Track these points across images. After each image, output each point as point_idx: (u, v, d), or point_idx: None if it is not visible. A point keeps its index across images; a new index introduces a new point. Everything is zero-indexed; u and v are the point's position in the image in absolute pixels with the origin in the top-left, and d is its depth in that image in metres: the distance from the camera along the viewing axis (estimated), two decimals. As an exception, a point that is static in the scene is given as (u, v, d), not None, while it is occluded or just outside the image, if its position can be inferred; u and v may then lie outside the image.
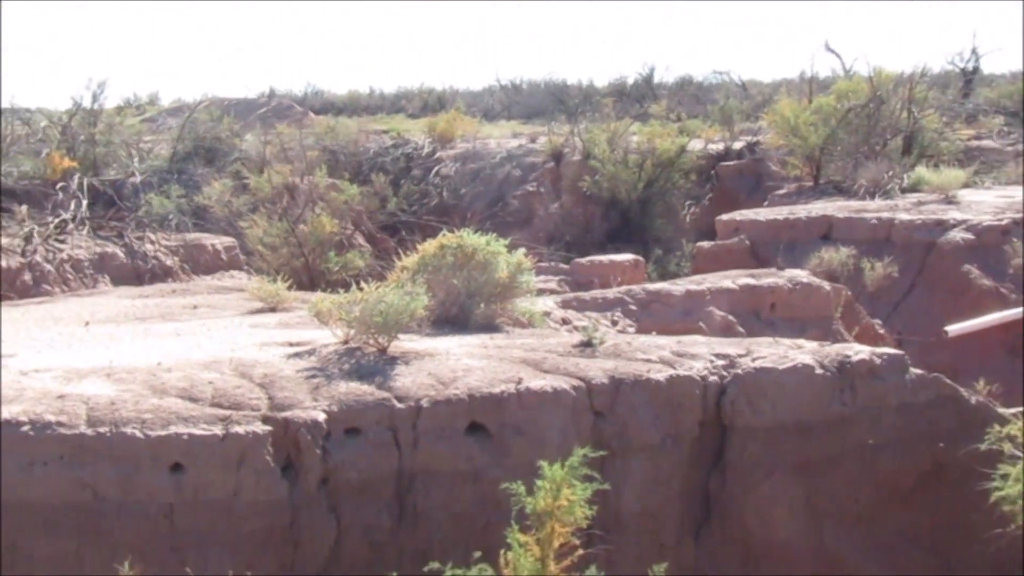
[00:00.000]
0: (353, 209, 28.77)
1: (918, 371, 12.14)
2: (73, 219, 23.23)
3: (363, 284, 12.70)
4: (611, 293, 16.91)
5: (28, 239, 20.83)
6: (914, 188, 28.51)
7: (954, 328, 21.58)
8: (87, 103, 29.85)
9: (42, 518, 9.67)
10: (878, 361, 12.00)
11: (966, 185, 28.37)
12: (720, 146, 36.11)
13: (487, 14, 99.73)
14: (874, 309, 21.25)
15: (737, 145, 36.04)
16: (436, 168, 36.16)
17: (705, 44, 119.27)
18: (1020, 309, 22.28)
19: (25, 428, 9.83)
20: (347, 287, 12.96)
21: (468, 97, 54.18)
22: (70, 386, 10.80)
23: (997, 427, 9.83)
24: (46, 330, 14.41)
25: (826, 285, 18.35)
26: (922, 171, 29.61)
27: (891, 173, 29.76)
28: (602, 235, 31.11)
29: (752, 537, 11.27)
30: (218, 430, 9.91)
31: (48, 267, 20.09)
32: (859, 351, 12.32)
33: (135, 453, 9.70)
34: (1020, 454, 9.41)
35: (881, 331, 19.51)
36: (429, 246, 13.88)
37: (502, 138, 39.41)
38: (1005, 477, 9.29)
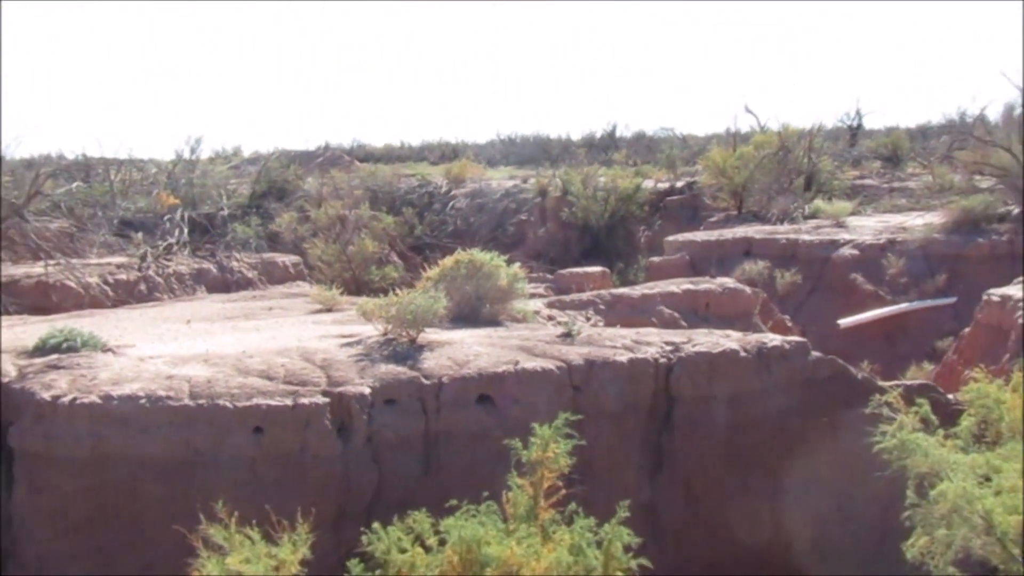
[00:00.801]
0: (389, 234, 28.80)
1: (818, 354, 12.20)
2: (177, 243, 23.21)
3: (397, 291, 12.74)
4: (585, 296, 16.94)
5: (143, 258, 20.82)
6: (813, 215, 28.64)
7: (844, 321, 21.71)
8: (187, 155, 29.98)
9: (156, 469, 9.73)
10: (787, 347, 12.06)
11: (853, 213, 28.49)
12: (666, 184, 36.14)
13: (489, 83, 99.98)
14: (784, 308, 21.33)
15: (679, 184, 36.07)
16: (451, 203, 36.20)
17: (654, 106, 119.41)
18: (894, 307, 22.40)
19: (142, 400, 9.89)
20: (385, 293, 12.98)
21: (475, 148, 54.09)
22: (176, 369, 10.86)
23: (878, 396, 9.86)
24: (157, 327, 14.46)
25: (747, 289, 18.39)
26: (819, 203, 29.80)
27: (796, 204, 29.94)
28: (578, 252, 31.18)
29: (693, 481, 11.32)
30: (289, 401, 9.97)
31: (158, 279, 20.08)
32: (773, 339, 12.36)
33: (226, 419, 9.76)
34: (895, 416, 9.43)
35: (789, 324, 19.56)
36: (447, 261, 13.95)
37: (501, 179, 39.41)
38: (884, 433, 9.33)
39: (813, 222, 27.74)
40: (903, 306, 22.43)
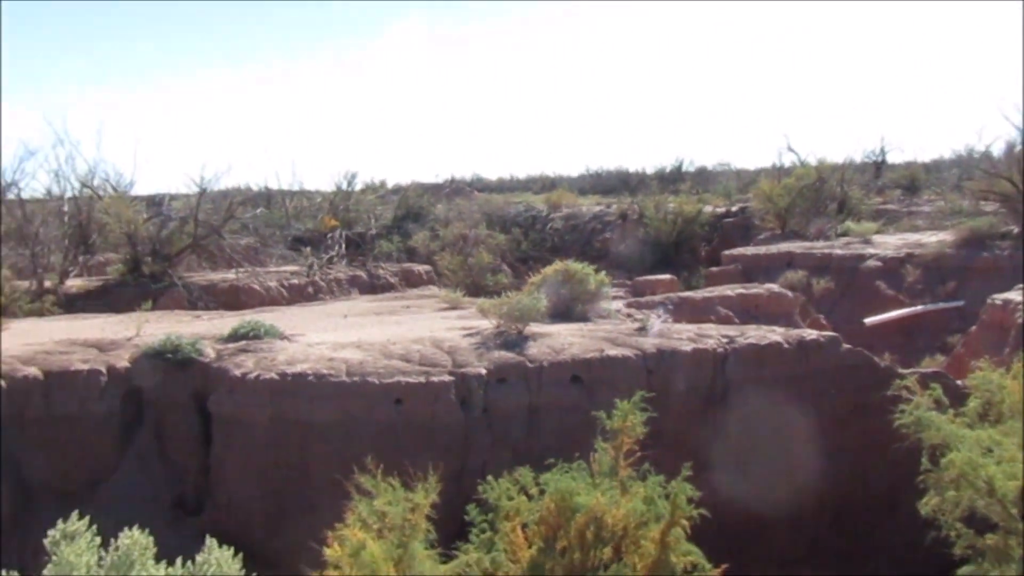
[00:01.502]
0: (501, 248, 28.98)
1: (848, 346, 11.92)
2: (336, 255, 23.65)
3: (507, 293, 12.80)
4: (657, 298, 16.80)
5: (310, 267, 21.26)
6: (844, 234, 27.95)
7: (869, 320, 21.12)
8: (344, 186, 30.48)
9: (319, 430, 9.91)
10: (822, 340, 11.81)
11: (877, 232, 27.79)
12: (723, 209, 35.64)
13: (581, 127, 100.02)
14: (819, 309, 20.86)
15: (734, 208, 35.56)
16: (549, 224, 36.19)
17: (713, 145, 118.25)
18: (911, 309, 21.79)
19: (310, 377, 10.09)
20: (498, 295, 13.05)
21: (569, 180, 53.93)
22: (336, 353, 11.03)
23: (898, 381, 9.61)
24: (321, 320, 14.72)
25: (789, 293, 18.05)
26: (849, 224, 29.13)
27: (830, 225, 29.28)
28: (650, 263, 30.82)
29: (742, 447, 11.13)
30: (423, 379, 10.06)
31: (322, 284, 20.49)
32: (811, 334, 12.13)
33: (374, 392, 9.90)
34: (912, 397, 9.18)
35: (824, 323, 19.08)
36: (547, 270, 13.95)
37: (590, 205, 39.23)
38: (903, 411, 9.10)
39: (844, 239, 27.11)
40: (919, 308, 21.82)
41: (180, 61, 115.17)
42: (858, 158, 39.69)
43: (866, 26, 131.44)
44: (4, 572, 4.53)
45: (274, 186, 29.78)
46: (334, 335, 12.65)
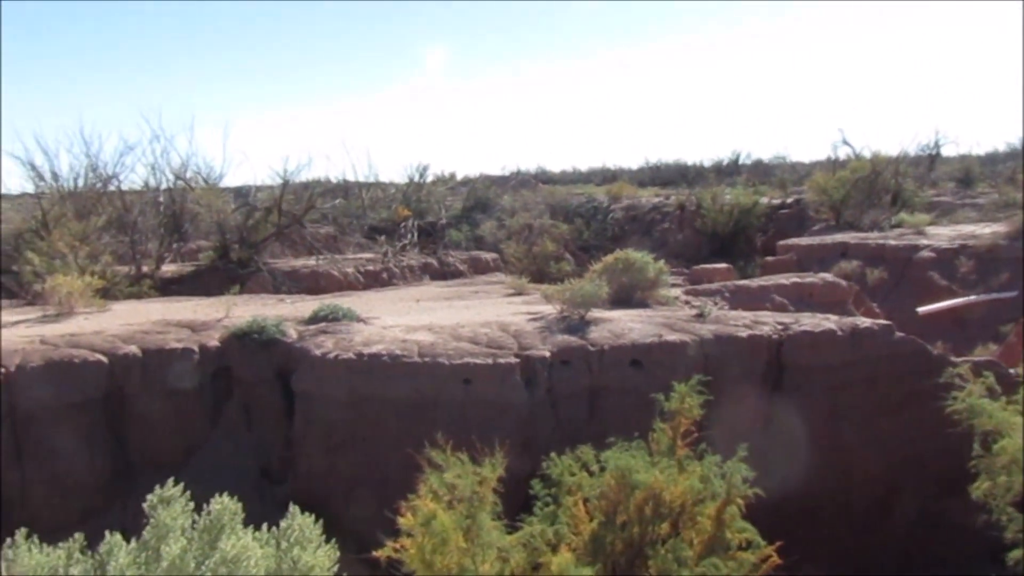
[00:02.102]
0: (564, 238, 28.77)
1: (901, 334, 11.65)
2: (409, 243, 23.82)
3: (570, 280, 12.76)
4: (714, 286, 16.59)
5: (385, 254, 21.45)
6: (898, 225, 27.29)
7: (922, 309, 20.62)
8: (416, 178, 30.69)
9: (393, 407, 10.00)
10: (876, 328, 11.55)
11: (931, 224, 27.07)
12: (778, 201, 35.02)
13: (641, 121, 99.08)
14: (872, 298, 20.36)
15: (789, 200, 34.91)
16: (610, 214, 35.91)
17: (770, 138, 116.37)
18: (964, 299, 21.22)
19: (385, 357, 10.18)
20: (561, 281, 13.01)
21: (629, 172, 53.49)
22: (408, 335, 11.12)
23: (950, 369, 9.38)
24: (395, 304, 14.85)
25: (843, 283, 17.69)
26: (903, 215, 28.42)
27: (884, 216, 28.57)
28: (707, 253, 30.47)
29: (796, 431, 10.96)
30: (490, 360, 10.09)
31: (396, 270, 20.66)
32: (864, 322, 11.88)
33: (444, 372, 9.95)
34: (965, 385, 8.96)
35: (877, 312, 18.68)
36: (608, 258, 13.85)
37: (649, 197, 38.89)
38: (955, 398, 8.89)
39: (898, 230, 26.45)
40: (972, 298, 21.21)
41: (266, 63, 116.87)
42: (912, 151, 38.70)
43: (922, 20, 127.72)
44: (108, 533, 4.68)
45: (351, 178, 30.03)
46: (407, 318, 12.76)
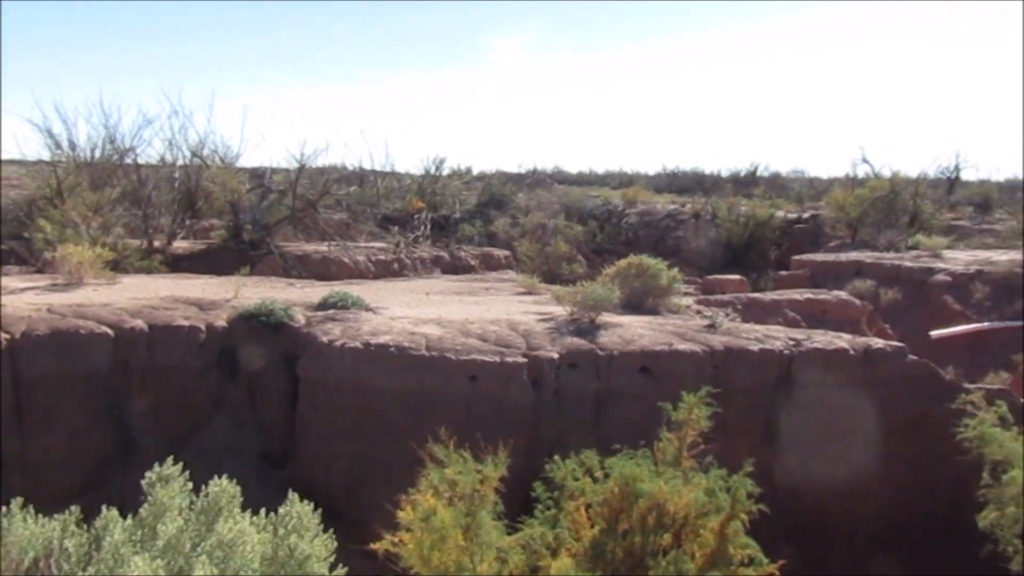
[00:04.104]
0: (577, 239, 28.78)
1: (913, 357, 11.54)
2: (422, 235, 23.76)
3: (583, 283, 12.69)
4: (726, 297, 16.54)
5: (397, 245, 21.37)
6: (915, 247, 27.12)
7: (936, 333, 20.44)
8: (432, 171, 30.64)
9: (398, 399, 9.96)
10: (888, 349, 11.47)
11: (948, 247, 26.89)
12: (795, 215, 34.82)
13: (660, 127, 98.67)
14: (885, 319, 20.25)
15: (805, 215, 34.72)
16: (625, 219, 35.75)
17: (789, 152, 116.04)
18: (978, 325, 21.06)
19: (392, 349, 10.14)
20: (573, 283, 12.95)
21: (646, 178, 53.15)
22: (417, 327, 11.08)
23: (963, 395, 9.30)
24: (405, 296, 14.82)
25: (857, 301, 17.59)
26: (920, 237, 28.23)
27: (900, 237, 28.42)
28: (721, 263, 30.28)
29: (806, 445, 10.87)
30: (498, 359, 10.04)
31: (407, 261, 20.57)
32: (877, 342, 11.78)
33: (451, 368, 9.91)
34: (977, 412, 8.88)
35: (890, 333, 18.55)
36: (621, 263, 13.80)
37: (664, 203, 38.66)
38: (967, 425, 8.81)
39: (914, 252, 26.28)
40: (986, 324, 21.05)
41: (286, 48, 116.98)
42: (932, 173, 38.45)
43: (951, 43, 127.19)
44: (105, 507, 4.63)
45: (367, 166, 30.01)
46: (416, 311, 12.71)
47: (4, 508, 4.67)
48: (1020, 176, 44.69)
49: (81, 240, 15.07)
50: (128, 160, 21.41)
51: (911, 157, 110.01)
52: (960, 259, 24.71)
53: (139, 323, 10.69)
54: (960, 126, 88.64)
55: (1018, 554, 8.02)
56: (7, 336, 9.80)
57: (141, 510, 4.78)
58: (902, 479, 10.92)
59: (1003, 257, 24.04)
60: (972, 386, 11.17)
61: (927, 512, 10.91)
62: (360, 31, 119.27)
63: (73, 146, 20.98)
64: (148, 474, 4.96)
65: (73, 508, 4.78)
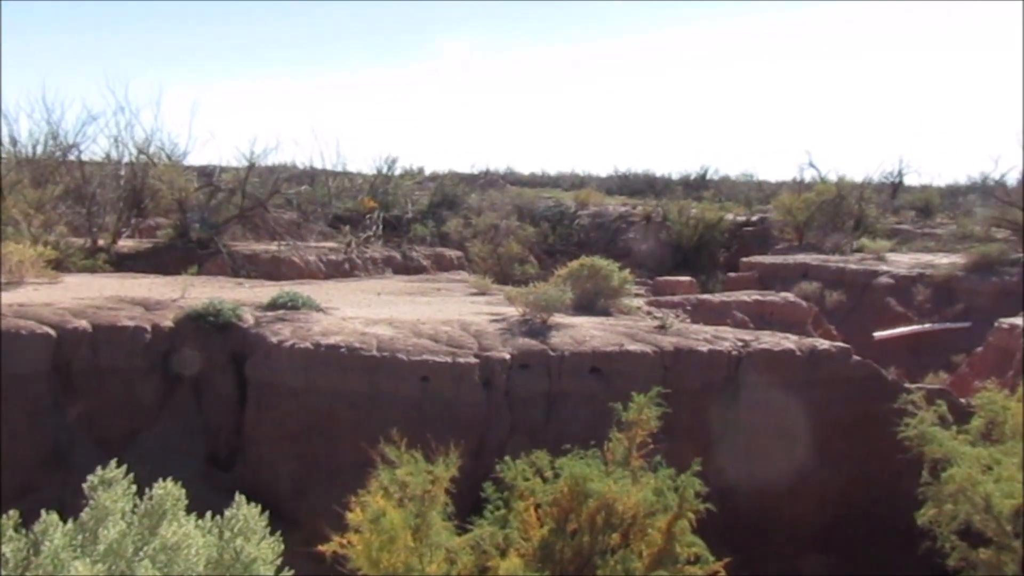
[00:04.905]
0: (529, 240, 28.83)
1: (857, 358, 11.75)
2: (373, 235, 23.66)
3: (534, 283, 12.72)
4: (676, 298, 16.70)
5: (348, 245, 21.25)
6: (859, 250, 27.64)
7: (879, 334, 20.88)
8: (384, 170, 30.48)
9: (349, 400, 9.89)
10: (834, 350, 11.65)
11: (891, 250, 27.45)
12: (743, 218, 35.29)
13: (610, 130, 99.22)
14: (830, 320, 20.59)
15: (754, 218, 35.21)
16: (576, 220, 35.94)
17: (737, 156, 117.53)
18: (919, 327, 21.53)
19: (343, 349, 10.06)
20: (525, 284, 12.98)
21: (598, 180, 53.47)
22: (368, 328, 11.01)
23: (904, 395, 9.51)
24: (356, 296, 14.70)
25: (803, 303, 17.87)
26: (865, 240, 28.79)
27: (845, 240, 28.95)
28: (671, 265, 30.56)
29: (751, 447, 11.02)
30: (449, 359, 10.01)
31: (359, 261, 20.48)
32: (822, 343, 11.97)
33: (402, 368, 9.86)
34: (917, 412, 9.09)
35: (835, 334, 18.88)
36: (574, 264, 13.84)
37: (616, 205, 38.93)
38: (907, 424, 9.01)
39: (858, 255, 26.79)
40: (927, 326, 21.55)
41: (238, 42, 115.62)
42: (876, 178, 39.23)
43: (891, 48, 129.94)
44: (44, 511, 4.53)
45: (319, 165, 29.75)
46: (367, 311, 12.63)
47: (-61, 512, 4.55)
48: (960, 181, 45.76)
49: (22, 238, 14.73)
50: (72, 157, 20.99)
51: (856, 162, 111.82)
52: (903, 262, 25.24)
53: (82, 323, 10.47)
54: (903, 131, 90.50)
55: (955, 550, 8.22)
56: (-56, 336, 9.52)
57: (82, 514, 4.68)
58: (842, 478, 11.12)
59: (944, 260, 24.62)
60: (913, 386, 11.42)
61: (863, 511, 11.12)
62: (312, 27, 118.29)
63: (14, 142, 20.54)
64: (90, 477, 4.86)
65: (11, 512, 4.67)
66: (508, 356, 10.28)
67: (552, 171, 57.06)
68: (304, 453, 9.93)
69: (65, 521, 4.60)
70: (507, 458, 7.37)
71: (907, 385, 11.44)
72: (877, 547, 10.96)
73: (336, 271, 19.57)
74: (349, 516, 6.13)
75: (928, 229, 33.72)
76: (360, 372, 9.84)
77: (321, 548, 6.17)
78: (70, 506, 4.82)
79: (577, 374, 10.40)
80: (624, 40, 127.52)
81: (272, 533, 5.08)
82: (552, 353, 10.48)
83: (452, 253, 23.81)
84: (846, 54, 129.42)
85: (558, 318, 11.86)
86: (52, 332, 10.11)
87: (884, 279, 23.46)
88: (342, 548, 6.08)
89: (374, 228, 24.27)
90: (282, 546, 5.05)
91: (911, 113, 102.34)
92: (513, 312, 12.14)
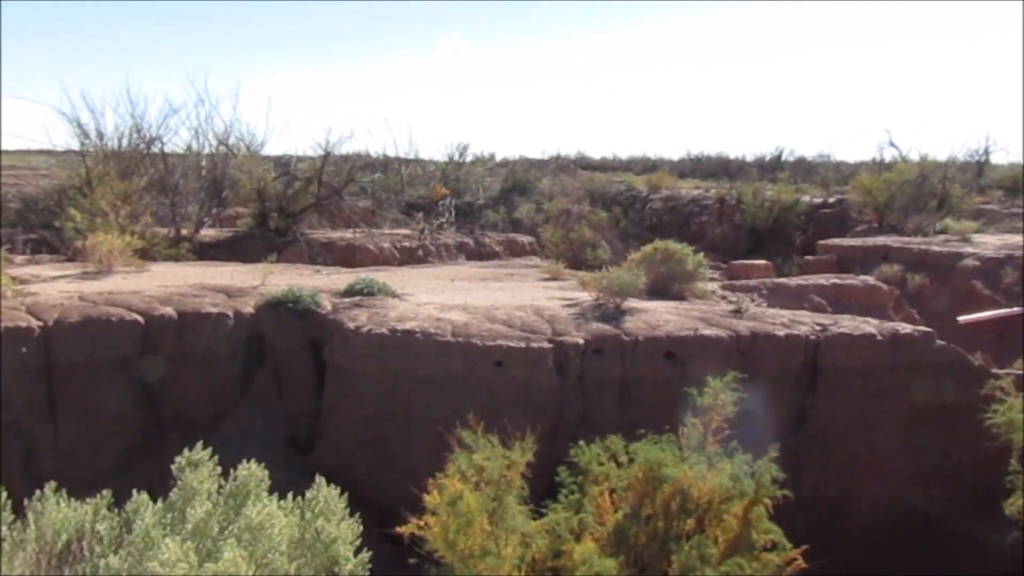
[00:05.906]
0: (601, 225, 28.63)
1: (942, 342, 11.41)
2: (446, 222, 23.77)
3: (607, 268, 12.66)
4: (752, 282, 16.41)
5: (422, 232, 21.38)
6: (943, 231, 26.77)
7: (963, 318, 20.21)
8: (456, 157, 30.62)
9: (424, 385, 9.98)
10: (916, 334, 11.31)
11: (977, 232, 26.48)
12: (820, 200, 34.46)
13: (684, 112, 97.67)
14: (912, 304, 20.02)
15: (831, 200, 34.35)
16: (649, 204, 35.63)
17: (815, 136, 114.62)
18: (1007, 310, 20.79)
19: (418, 335, 10.16)
20: (598, 269, 12.92)
21: (670, 163, 52.75)
22: (443, 313, 11.11)
23: (992, 381, 9.22)
24: (430, 282, 14.84)
25: (883, 286, 17.40)
26: (948, 221, 27.84)
27: (928, 222, 28.07)
28: (745, 248, 30.07)
29: (829, 434, 10.81)
30: (523, 344, 10.04)
31: (432, 248, 20.61)
32: (904, 327, 11.62)
33: (476, 353, 9.92)
34: (1006, 398, 8.80)
35: (917, 318, 18.35)
36: (647, 248, 13.72)
37: (689, 189, 38.42)
38: (995, 411, 8.73)
39: (942, 236, 25.94)
40: (1016, 310, 20.76)
41: (312, 33, 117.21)
42: (961, 156, 37.85)
43: (978, 26, 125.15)
44: (135, 492, 4.70)
45: (392, 153, 30.03)
46: (441, 297, 12.73)
47: (38, 492, 4.76)
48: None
49: (110, 229, 15.22)
50: (155, 149, 21.56)
51: (940, 140, 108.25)
52: (989, 243, 24.35)
53: (168, 310, 10.79)
54: (990, 107, 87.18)
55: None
56: (40, 324, 9.93)
57: (171, 494, 4.85)
58: (927, 465, 10.82)
59: (1034, 240, 23.72)
60: (1001, 371, 11.04)
61: (952, 498, 10.81)
62: (385, 17, 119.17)
63: (101, 136, 21.13)
64: (177, 459, 5.03)
65: (104, 492, 4.86)
66: (582, 341, 10.27)
67: (623, 155, 56.51)
68: (381, 437, 10.08)
69: (155, 501, 4.77)
70: (581, 442, 7.37)
71: (994, 370, 11.07)
72: (965, 535, 10.65)
73: (410, 258, 19.74)
74: (426, 499, 6.21)
75: (1016, 209, 32.45)
76: (435, 357, 9.93)
77: (399, 529, 6.27)
78: (159, 487, 4.99)
79: (651, 359, 10.33)
80: (699, 19, 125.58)
81: (351, 515, 5.19)
82: (626, 338, 10.43)
83: (524, 239, 23.79)
84: (927, 27, 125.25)
85: (631, 303, 11.78)
86: (140, 319, 10.45)
87: (970, 261, 22.66)
88: (419, 530, 6.17)
89: (447, 215, 24.39)
90: (361, 527, 5.16)
91: (998, 88, 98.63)
92: (586, 297, 12.11)
